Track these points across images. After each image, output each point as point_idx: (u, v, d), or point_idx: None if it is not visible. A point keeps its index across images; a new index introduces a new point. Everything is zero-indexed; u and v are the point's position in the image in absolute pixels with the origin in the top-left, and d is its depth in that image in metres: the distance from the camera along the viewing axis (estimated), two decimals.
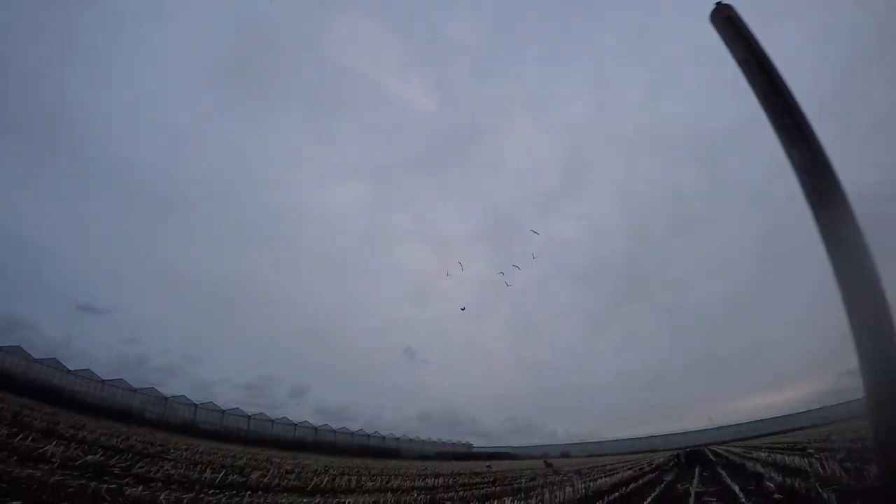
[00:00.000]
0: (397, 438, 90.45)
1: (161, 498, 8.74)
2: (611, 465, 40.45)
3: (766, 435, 70.48)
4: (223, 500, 9.77)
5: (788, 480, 11.94)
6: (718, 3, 5.19)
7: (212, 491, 10.97)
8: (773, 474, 14.08)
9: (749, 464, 20.13)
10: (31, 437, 12.56)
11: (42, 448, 11.45)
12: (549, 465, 42.16)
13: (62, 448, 11.97)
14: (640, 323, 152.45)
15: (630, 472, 25.88)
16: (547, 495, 13.31)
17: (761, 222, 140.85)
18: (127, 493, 8.60)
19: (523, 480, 23.93)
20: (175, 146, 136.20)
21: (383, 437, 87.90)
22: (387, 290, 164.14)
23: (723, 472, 18.62)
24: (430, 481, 21.20)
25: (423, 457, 78.43)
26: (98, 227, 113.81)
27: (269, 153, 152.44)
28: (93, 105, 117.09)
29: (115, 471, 11.38)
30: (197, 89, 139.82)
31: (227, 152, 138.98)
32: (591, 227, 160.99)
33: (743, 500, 10.50)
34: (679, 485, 16.96)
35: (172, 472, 13.19)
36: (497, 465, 49.18)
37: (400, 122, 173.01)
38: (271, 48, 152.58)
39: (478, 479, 24.93)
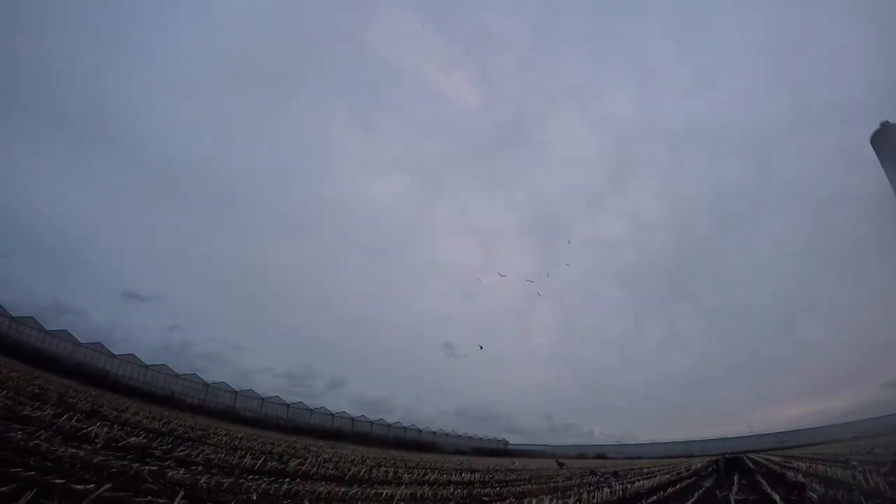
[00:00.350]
0: (434, 432, 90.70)
1: (202, 481, 8.67)
2: (647, 468, 39.57)
3: (805, 445, 68.25)
4: (262, 485, 9.64)
5: (831, 492, 11.49)
6: (885, 124, 4.47)
7: (251, 476, 10.88)
8: (815, 485, 13.54)
9: (789, 473, 19.41)
10: (75, 418, 12.72)
11: (86, 428, 11.56)
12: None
13: (105, 429, 12.09)
14: (682, 323, 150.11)
15: (667, 476, 25.20)
16: (585, 495, 12.89)
17: (810, 223, 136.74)
18: (168, 475, 8.53)
19: (560, 479, 23.51)
20: (221, 140, 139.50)
21: (420, 431, 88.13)
22: (428, 283, 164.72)
23: (762, 481, 17.93)
24: (466, 476, 20.92)
25: (459, 451, 78.33)
26: (146, 217, 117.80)
27: (314, 147, 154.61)
28: (138, 99, 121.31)
29: (157, 453, 11.39)
30: (241, 84, 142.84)
31: (272, 146, 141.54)
32: (636, 224, 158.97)
33: None
34: (718, 491, 16.36)
35: (213, 456, 13.23)
36: (533, 464, 48.76)
37: (443, 117, 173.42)
38: (315, 43, 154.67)
39: (514, 476, 24.56)
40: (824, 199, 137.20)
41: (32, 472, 5.86)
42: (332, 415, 74.96)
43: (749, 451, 62.11)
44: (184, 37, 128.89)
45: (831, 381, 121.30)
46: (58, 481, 5.73)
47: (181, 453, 12.28)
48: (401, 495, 11.85)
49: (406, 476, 17.87)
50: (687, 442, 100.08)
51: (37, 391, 18.47)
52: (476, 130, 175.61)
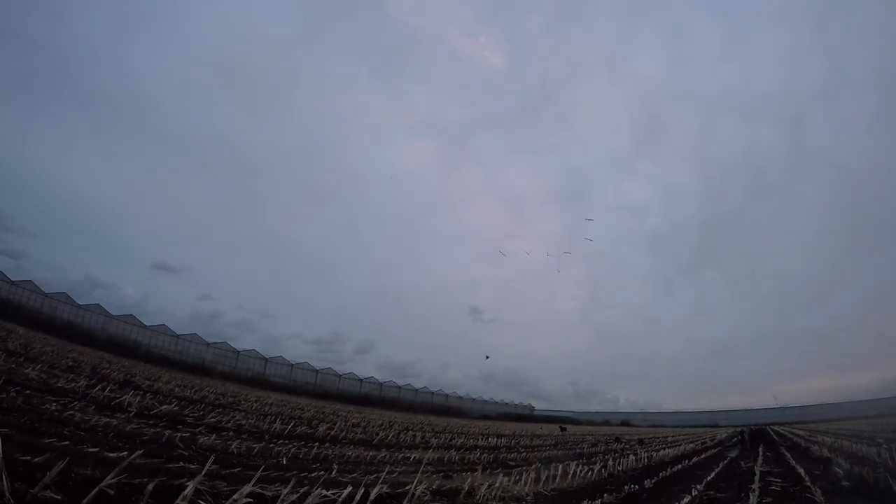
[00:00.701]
0: (460, 397, 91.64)
1: (232, 446, 8.79)
2: (672, 436, 39.66)
3: (830, 420, 67.60)
4: (292, 450, 9.76)
5: (856, 468, 11.28)
6: None
7: (281, 441, 11.04)
8: (840, 460, 13.36)
9: (814, 447, 19.27)
10: (108, 388, 13.00)
11: (119, 398, 11.81)
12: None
13: (138, 398, 12.33)
14: (711, 292, 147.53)
15: (692, 445, 25.28)
16: (610, 462, 12.88)
17: (844, 193, 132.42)
18: (200, 441, 8.67)
19: (586, 445, 23.62)
20: (245, 110, 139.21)
21: (446, 395, 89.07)
22: (454, 248, 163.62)
23: (787, 454, 17.82)
24: (492, 441, 21.11)
25: (485, 416, 79.33)
26: (173, 191, 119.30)
27: (338, 115, 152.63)
28: (164, 75, 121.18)
29: (189, 420, 11.61)
30: (263, 55, 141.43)
31: (296, 114, 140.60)
32: (665, 190, 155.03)
33: (808, 483, 9.80)
34: (743, 462, 16.24)
35: (243, 422, 13.46)
36: (558, 430, 49.30)
37: (468, 81, 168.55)
38: (335, 10, 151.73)
39: (539, 442, 24.74)
40: (861, 168, 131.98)
41: (66, 442, 5.94)
42: (361, 380, 76.19)
43: (773, 424, 61.92)
44: (203, 11, 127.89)
45: (859, 357, 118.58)
46: (91, 450, 5.80)
47: (212, 420, 12.51)
48: (428, 459, 11.92)
49: (433, 440, 18.05)
50: (712, 412, 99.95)
51: (70, 364, 18.94)
52: (501, 94, 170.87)
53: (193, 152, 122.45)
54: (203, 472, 4.43)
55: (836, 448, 17.95)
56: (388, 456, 11.81)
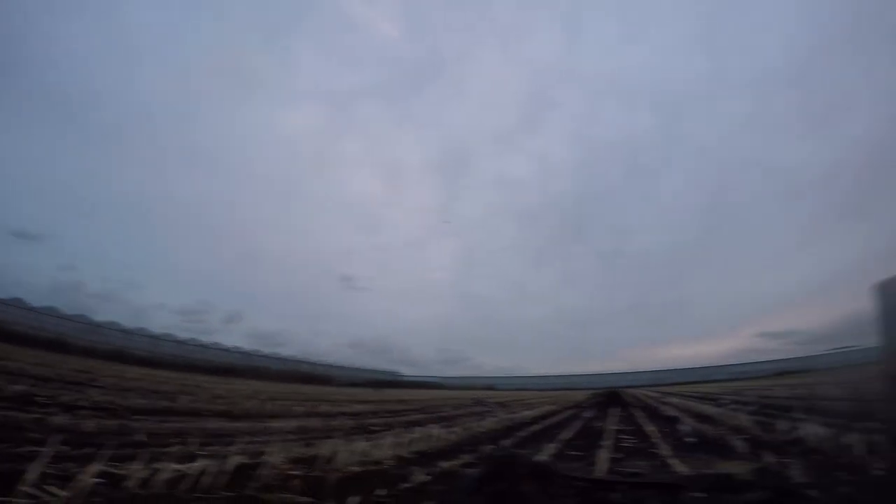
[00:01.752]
0: (329, 365, 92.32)
1: (86, 425, 8.94)
2: (534, 399, 42.33)
3: (681, 383, 76.69)
4: (148, 425, 9.98)
5: (700, 426, 12.79)
6: None
7: (138, 416, 11.18)
8: (686, 419, 14.92)
9: (663, 408, 21.49)
10: None
11: None
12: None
13: None
14: (579, 264, 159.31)
15: (552, 407, 27.16)
16: (471, 424, 13.98)
17: (710, 182, 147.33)
18: (52, 421, 8.85)
19: (448, 409, 25.18)
20: (117, 67, 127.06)
21: (314, 364, 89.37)
22: (330, 216, 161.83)
23: (639, 414, 19.68)
24: (357, 407, 22.14)
25: (353, 384, 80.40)
26: (34, 146, 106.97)
27: (216, 73, 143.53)
28: (26, 25, 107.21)
29: (41, 400, 11.51)
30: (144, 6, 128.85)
31: (172, 73, 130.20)
32: (543, 166, 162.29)
33: (656, 440, 11.06)
34: (598, 422, 17.50)
35: (100, 398, 13.42)
36: (425, 395, 50.98)
37: (360, 47, 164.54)
38: None
39: (403, 407, 26.20)
40: (726, 159, 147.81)
41: None
42: (227, 350, 74.88)
43: (628, 387, 68.24)
44: None
45: (710, 328, 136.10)
46: None
47: (66, 398, 12.40)
48: (291, 427, 12.48)
49: (298, 409, 18.78)
50: (572, 376, 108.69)
51: None
52: (392, 64, 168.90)
53: (57, 109, 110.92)
54: (49, 454, 4.57)
55: (683, 408, 20.27)
56: (250, 427, 12.17)
